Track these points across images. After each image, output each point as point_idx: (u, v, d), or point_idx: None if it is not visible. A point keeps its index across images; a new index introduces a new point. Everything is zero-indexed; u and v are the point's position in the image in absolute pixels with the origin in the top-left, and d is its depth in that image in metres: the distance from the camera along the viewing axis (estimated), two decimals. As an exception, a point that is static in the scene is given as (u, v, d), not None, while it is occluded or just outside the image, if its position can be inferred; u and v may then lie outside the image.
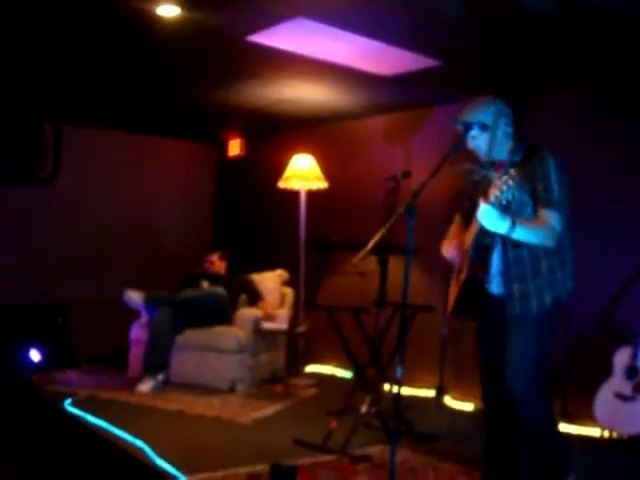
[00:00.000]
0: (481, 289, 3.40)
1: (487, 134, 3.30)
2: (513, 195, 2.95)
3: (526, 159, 3.28)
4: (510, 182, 2.92)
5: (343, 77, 5.57)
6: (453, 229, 3.62)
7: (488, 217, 3.05)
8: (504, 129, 3.34)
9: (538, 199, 3.20)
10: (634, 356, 4.65)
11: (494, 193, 2.97)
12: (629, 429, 4.66)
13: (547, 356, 3.35)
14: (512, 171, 2.94)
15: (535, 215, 3.21)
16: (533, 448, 3.37)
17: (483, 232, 3.22)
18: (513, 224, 3.06)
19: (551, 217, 3.17)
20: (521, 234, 3.12)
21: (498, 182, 2.97)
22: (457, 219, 3.65)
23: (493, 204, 3.00)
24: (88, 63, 5.39)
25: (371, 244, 3.16)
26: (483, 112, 3.32)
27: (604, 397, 4.73)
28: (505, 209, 3.06)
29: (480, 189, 3.32)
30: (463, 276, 3.39)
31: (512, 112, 3.41)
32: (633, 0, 3.77)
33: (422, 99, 6.28)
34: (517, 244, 3.21)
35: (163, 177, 8.41)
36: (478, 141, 3.34)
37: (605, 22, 4.10)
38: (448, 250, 3.50)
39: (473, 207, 3.28)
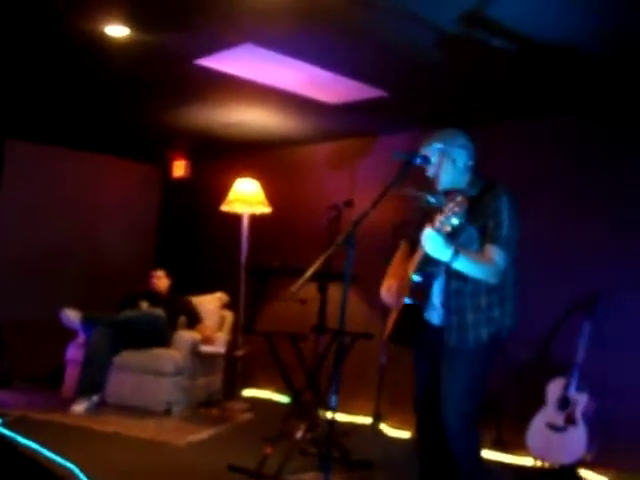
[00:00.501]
0: (419, 317, 3.43)
1: (445, 163, 3.35)
2: (461, 223, 2.98)
3: (482, 194, 3.32)
4: (456, 209, 2.94)
5: (290, 103, 5.61)
6: (398, 257, 3.64)
7: (432, 243, 3.08)
8: (464, 161, 3.39)
9: (486, 235, 3.24)
10: (566, 387, 4.74)
11: (440, 219, 3.00)
12: (560, 459, 4.74)
13: (482, 391, 3.38)
14: (460, 198, 2.96)
15: (481, 250, 3.26)
16: (459, 475, 3.40)
17: (427, 259, 3.25)
18: (456, 253, 3.09)
19: (496, 253, 3.20)
20: (463, 264, 3.15)
21: (445, 208, 3.01)
22: (403, 246, 3.67)
23: (438, 230, 3.02)
24: (35, 79, 5.33)
25: (309, 273, 3.16)
26: (431, 145, 3.38)
27: (537, 427, 4.81)
28: (452, 238, 3.10)
29: (426, 216, 3.36)
30: (402, 301, 3.41)
31: (472, 146, 3.46)
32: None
33: (368, 128, 6.36)
34: (460, 276, 3.24)
35: (106, 195, 8.31)
36: (434, 169, 3.38)
37: (557, 60, 4.24)
38: (387, 290, 3.52)
39: (420, 234, 3.33)
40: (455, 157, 3.37)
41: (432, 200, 3.36)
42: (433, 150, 3.38)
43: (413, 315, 3.42)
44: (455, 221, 2.96)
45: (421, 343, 3.48)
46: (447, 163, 3.36)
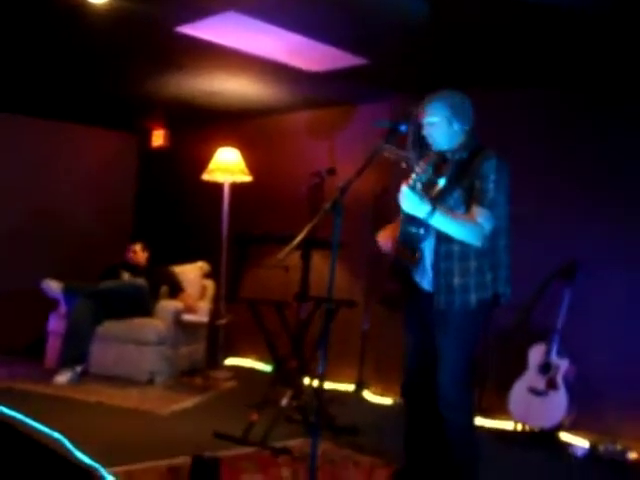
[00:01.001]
0: (406, 277, 3.44)
1: (441, 124, 3.34)
2: (432, 180, 3.07)
3: (471, 157, 3.32)
4: (424, 164, 3.02)
5: (270, 71, 5.57)
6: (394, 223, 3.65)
7: (407, 200, 3.12)
8: (460, 124, 3.36)
9: (473, 197, 3.24)
10: (548, 352, 4.81)
11: (412, 176, 3.05)
12: (541, 423, 4.82)
13: (472, 357, 3.38)
14: (431, 152, 3.02)
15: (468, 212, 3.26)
16: (451, 443, 3.44)
17: (409, 219, 3.26)
18: (433, 209, 3.12)
19: (480, 214, 3.20)
20: (440, 222, 3.17)
21: (417, 167, 3.05)
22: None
23: (412, 187, 3.07)
24: (10, 45, 5.23)
25: (297, 240, 3.16)
26: (431, 104, 3.36)
27: (518, 392, 4.88)
28: (437, 200, 3.13)
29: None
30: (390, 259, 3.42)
31: (471, 110, 3.43)
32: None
33: (348, 96, 6.34)
34: (449, 239, 3.24)
35: (83, 165, 8.24)
36: (431, 129, 3.37)
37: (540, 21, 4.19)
38: (382, 239, 3.53)
39: None
40: (452, 119, 3.35)
41: (411, 162, 3.36)
42: (433, 109, 3.36)
43: (400, 274, 3.42)
44: (425, 177, 3.03)
45: (411, 308, 3.50)
46: (443, 124, 3.35)
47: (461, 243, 3.25)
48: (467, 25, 4.31)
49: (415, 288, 3.45)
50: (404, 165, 3.47)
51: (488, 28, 4.33)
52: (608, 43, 4.40)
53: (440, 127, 3.35)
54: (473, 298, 3.29)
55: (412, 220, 3.25)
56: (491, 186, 3.22)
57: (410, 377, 3.57)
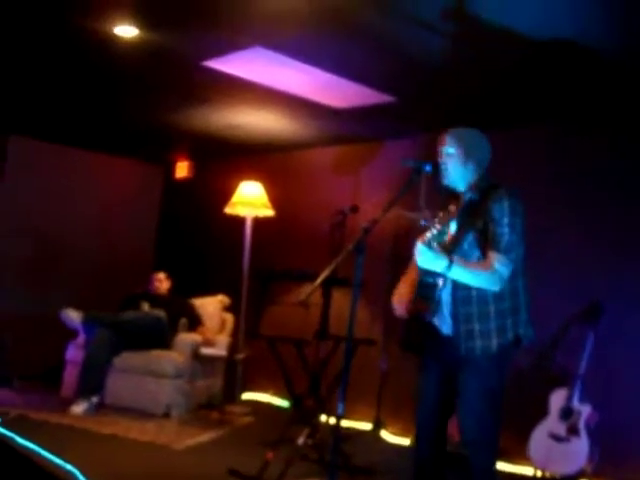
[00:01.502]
0: (424, 325, 3.40)
1: (457, 160, 3.30)
2: (445, 232, 2.98)
3: (484, 196, 3.26)
4: (444, 220, 2.95)
5: (296, 107, 5.60)
6: (408, 275, 3.61)
7: (423, 256, 3.07)
8: (476, 162, 3.32)
9: (488, 241, 3.19)
10: (569, 398, 4.72)
11: (428, 234, 3.00)
12: (562, 469, 4.72)
13: (499, 402, 3.31)
14: (452, 207, 2.93)
15: (484, 257, 3.23)
16: None
17: (425, 271, 3.23)
18: (450, 263, 3.08)
19: (497, 260, 3.15)
20: (458, 274, 3.12)
21: (434, 224, 3.00)
22: (413, 265, 3.65)
23: (428, 244, 3.02)
24: (41, 77, 5.32)
25: (319, 280, 3.12)
26: (449, 138, 3.32)
27: (539, 437, 4.79)
28: (452, 247, 3.08)
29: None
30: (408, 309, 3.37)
31: (489, 148, 3.40)
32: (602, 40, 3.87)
33: (374, 133, 6.34)
34: (467, 285, 3.22)
35: (108, 194, 8.28)
36: (447, 161, 3.31)
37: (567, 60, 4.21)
38: (396, 302, 3.49)
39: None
40: (469, 156, 3.32)
41: (424, 223, 3.31)
42: (452, 139, 3.32)
43: (418, 324, 3.38)
44: (442, 237, 3.00)
45: (430, 353, 3.45)
46: (459, 158, 3.31)
47: (478, 288, 3.21)
48: (489, 64, 4.33)
49: (434, 332, 3.40)
50: (421, 224, 3.46)
51: (512, 68, 4.34)
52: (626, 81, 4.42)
53: (456, 161, 3.32)
54: (494, 343, 3.23)
55: (428, 272, 3.22)
56: (506, 230, 3.16)
57: (426, 420, 3.50)
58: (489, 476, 3.36)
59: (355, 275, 3.05)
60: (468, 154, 3.31)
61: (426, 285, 3.30)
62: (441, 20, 3.71)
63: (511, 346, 3.29)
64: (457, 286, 3.25)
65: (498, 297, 3.23)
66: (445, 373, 3.37)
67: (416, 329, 3.38)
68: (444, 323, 3.35)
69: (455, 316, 3.28)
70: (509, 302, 3.27)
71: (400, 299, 3.44)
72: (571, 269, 5.15)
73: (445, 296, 3.33)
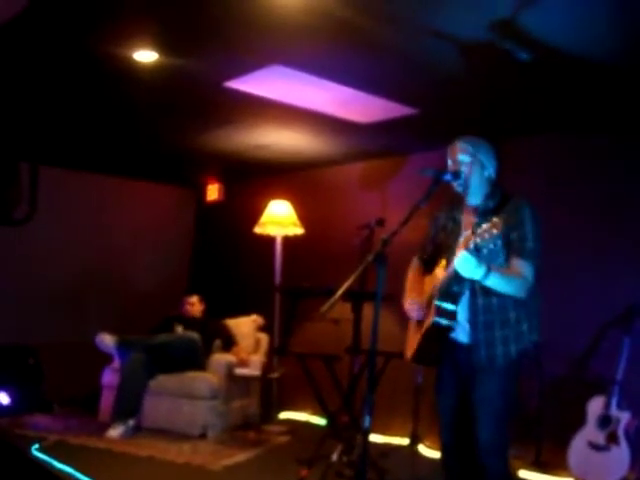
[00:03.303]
0: (444, 335, 3.37)
1: (476, 166, 3.31)
2: (495, 244, 2.93)
3: (500, 206, 3.27)
4: (494, 231, 2.87)
5: (320, 124, 5.61)
6: (412, 272, 3.61)
7: (466, 264, 3.03)
8: (490, 171, 3.35)
9: (512, 248, 3.18)
10: (607, 405, 4.65)
11: (474, 240, 2.94)
12: (602, 479, 4.63)
13: (514, 408, 3.35)
14: (495, 219, 2.89)
15: (507, 264, 3.20)
16: None
17: (454, 279, 3.20)
18: (488, 270, 3.05)
19: (523, 267, 3.16)
20: (494, 282, 3.10)
21: (478, 229, 2.94)
22: (416, 263, 3.64)
23: (472, 251, 2.98)
24: (65, 105, 5.39)
25: (339, 293, 3.13)
26: (465, 146, 3.34)
27: (577, 446, 4.72)
28: (480, 255, 3.05)
29: (447, 234, 3.34)
30: (428, 322, 3.34)
31: (497, 159, 3.41)
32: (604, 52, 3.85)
33: (399, 147, 6.33)
34: (487, 292, 3.19)
35: (141, 220, 8.36)
36: (466, 171, 3.31)
37: (577, 70, 4.20)
38: (409, 305, 3.47)
39: (437, 252, 3.37)
40: (484, 164, 3.33)
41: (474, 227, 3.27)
42: (465, 147, 3.33)
43: (439, 334, 3.35)
44: (490, 244, 2.90)
45: (447, 362, 3.42)
46: (476, 167, 3.32)
47: (498, 295, 3.19)
48: (507, 76, 4.32)
49: (450, 341, 3.37)
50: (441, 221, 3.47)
51: (536, 76, 4.32)
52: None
53: (476, 169, 3.30)
54: (513, 349, 3.25)
55: (457, 280, 3.20)
56: (529, 236, 3.18)
57: (449, 433, 3.48)
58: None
59: (377, 286, 3.05)
60: (486, 161, 3.32)
61: (451, 293, 3.28)
62: (459, 31, 3.71)
63: (526, 352, 3.30)
64: (476, 293, 3.24)
65: (518, 304, 3.25)
66: (461, 382, 3.36)
67: (433, 341, 3.35)
68: (462, 331, 3.33)
69: (474, 324, 3.27)
70: (526, 308, 3.29)
71: (412, 302, 3.43)
72: (608, 271, 5.08)
73: (461, 304, 3.30)
